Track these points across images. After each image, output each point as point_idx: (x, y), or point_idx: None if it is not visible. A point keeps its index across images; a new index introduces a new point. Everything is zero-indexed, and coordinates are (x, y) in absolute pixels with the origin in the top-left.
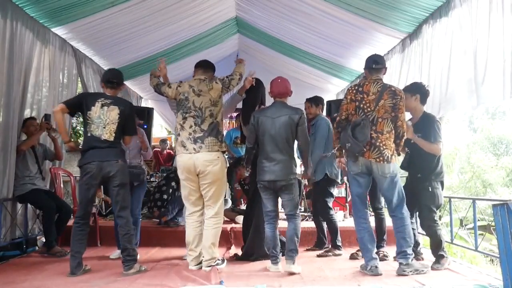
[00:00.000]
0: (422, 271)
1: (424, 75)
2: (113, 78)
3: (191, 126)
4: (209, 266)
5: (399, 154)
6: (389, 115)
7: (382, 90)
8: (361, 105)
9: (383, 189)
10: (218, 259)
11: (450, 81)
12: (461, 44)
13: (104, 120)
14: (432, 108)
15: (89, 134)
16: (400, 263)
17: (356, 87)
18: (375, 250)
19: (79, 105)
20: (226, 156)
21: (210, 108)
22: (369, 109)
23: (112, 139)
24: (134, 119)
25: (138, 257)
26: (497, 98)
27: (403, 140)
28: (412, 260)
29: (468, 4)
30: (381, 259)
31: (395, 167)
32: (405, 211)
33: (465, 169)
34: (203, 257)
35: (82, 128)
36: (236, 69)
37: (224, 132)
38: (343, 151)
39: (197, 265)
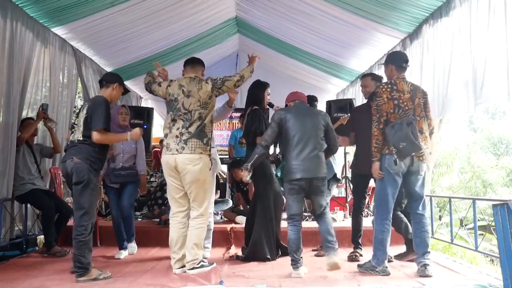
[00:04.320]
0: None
1: (426, 76)
2: (101, 77)
3: (178, 128)
4: (193, 269)
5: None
6: (423, 114)
7: (414, 89)
8: (400, 104)
9: (416, 186)
10: (203, 261)
11: (452, 81)
12: (462, 44)
13: (79, 123)
14: (435, 109)
15: (69, 141)
16: (426, 265)
17: (390, 86)
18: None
19: None
20: (227, 157)
21: (199, 111)
22: (407, 108)
23: (81, 137)
24: (101, 111)
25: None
26: (499, 99)
27: (431, 138)
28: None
29: (468, 4)
30: (355, 260)
31: None
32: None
33: (465, 169)
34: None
35: None
36: (240, 71)
37: (224, 133)
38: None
39: (180, 267)
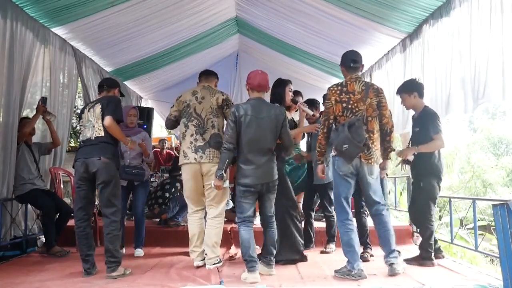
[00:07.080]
0: (405, 268)
1: (427, 76)
2: (102, 82)
3: (192, 135)
4: (213, 264)
5: (388, 156)
6: (375, 114)
7: (366, 88)
8: (349, 106)
9: (370, 189)
10: (219, 258)
11: (452, 81)
12: (462, 44)
13: (93, 120)
14: (437, 109)
15: (80, 140)
16: (392, 264)
17: (339, 87)
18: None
19: None
20: None
21: (212, 119)
22: (357, 109)
23: (103, 134)
24: (115, 105)
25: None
26: (499, 98)
27: (392, 136)
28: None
29: (468, 4)
30: (366, 260)
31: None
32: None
33: (465, 169)
34: (206, 255)
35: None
36: None
37: None
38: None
39: (202, 260)
